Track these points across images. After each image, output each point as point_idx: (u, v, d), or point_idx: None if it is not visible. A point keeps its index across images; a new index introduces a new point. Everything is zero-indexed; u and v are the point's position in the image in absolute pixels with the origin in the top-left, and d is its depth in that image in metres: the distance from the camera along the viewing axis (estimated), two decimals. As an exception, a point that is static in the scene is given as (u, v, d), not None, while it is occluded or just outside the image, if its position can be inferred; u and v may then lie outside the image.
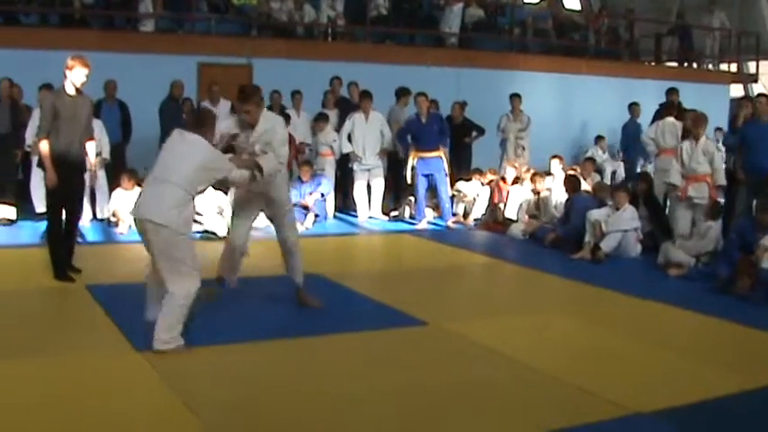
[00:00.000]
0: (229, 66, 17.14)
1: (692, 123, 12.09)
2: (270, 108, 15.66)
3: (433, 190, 14.59)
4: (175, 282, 6.83)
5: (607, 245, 11.56)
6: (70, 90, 9.08)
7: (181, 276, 6.84)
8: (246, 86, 8.22)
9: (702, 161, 11.70)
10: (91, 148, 9.53)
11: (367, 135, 14.70)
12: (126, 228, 12.48)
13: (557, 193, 13.57)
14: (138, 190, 12.54)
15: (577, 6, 27.94)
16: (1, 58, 14.69)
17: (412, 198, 14.82)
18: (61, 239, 9.44)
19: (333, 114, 15.90)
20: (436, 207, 14.88)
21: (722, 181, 11.99)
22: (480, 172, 15.10)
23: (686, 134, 12.33)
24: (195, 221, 12.15)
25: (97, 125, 13.60)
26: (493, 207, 14.48)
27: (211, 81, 15.66)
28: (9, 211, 13.01)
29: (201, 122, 7.29)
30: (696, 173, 11.71)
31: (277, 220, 8.37)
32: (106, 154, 13.66)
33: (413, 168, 14.31)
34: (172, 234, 6.79)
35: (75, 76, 9.01)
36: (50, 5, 16.82)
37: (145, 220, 6.85)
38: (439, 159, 14.28)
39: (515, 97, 17.11)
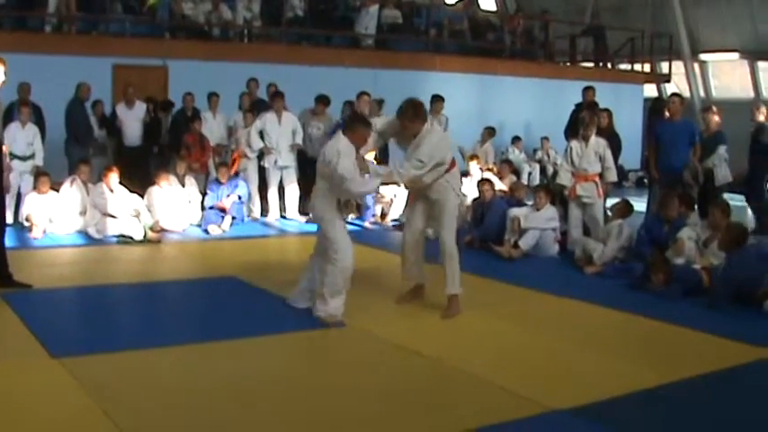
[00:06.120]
0: (145, 67, 17.00)
1: (583, 124, 11.98)
2: (182, 110, 15.61)
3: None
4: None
5: (525, 242, 11.61)
6: None
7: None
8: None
9: (593, 161, 11.71)
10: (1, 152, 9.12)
11: (281, 135, 14.55)
12: (40, 232, 12.24)
13: (474, 194, 13.54)
14: (52, 194, 12.40)
15: (493, 8, 28.12)
16: None
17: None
18: None
19: (249, 117, 15.69)
20: (357, 207, 14.81)
21: (613, 178, 12.09)
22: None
23: (600, 132, 12.37)
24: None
25: (31, 130, 13.39)
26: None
27: (126, 83, 15.50)
28: None
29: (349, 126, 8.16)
30: (587, 173, 11.72)
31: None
32: (39, 160, 13.43)
33: None
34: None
35: None
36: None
37: None
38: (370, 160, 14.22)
39: (438, 100, 15.92)
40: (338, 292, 8.06)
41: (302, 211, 14.92)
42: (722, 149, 13.22)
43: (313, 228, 14.10)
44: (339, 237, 8.06)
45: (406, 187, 9.21)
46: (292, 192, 14.94)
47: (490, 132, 18.87)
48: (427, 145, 8.24)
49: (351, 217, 14.60)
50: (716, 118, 13.57)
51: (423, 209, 8.79)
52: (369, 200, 14.48)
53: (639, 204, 14.09)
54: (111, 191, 12.47)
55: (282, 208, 15.03)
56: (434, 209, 8.60)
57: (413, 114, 8.29)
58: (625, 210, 11.60)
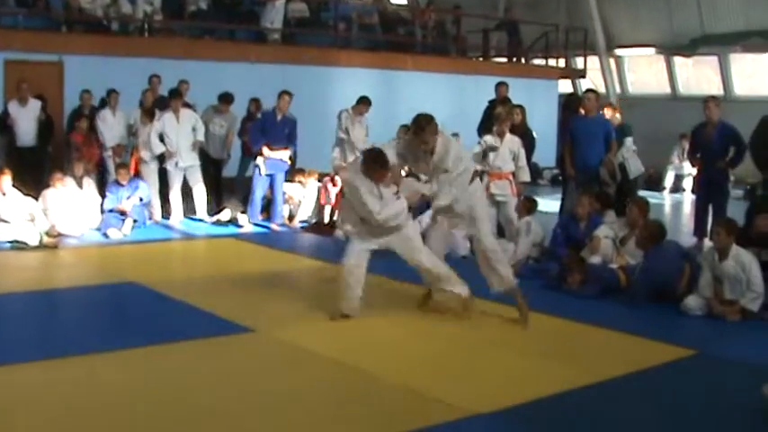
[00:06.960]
0: (39, 63, 16.46)
1: (499, 119, 11.93)
2: (79, 109, 15.04)
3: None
4: None
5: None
6: None
7: None
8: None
9: (508, 159, 11.70)
10: None
11: (180, 134, 14.16)
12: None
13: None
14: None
15: (404, 1, 27.89)
16: None
17: (236, 200, 14.45)
18: None
19: (145, 117, 15.15)
20: (264, 209, 14.43)
21: (526, 178, 12.04)
22: (303, 172, 14.63)
23: (513, 129, 12.17)
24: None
25: None
26: (320, 209, 14.12)
27: (20, 79, 14.99)
28: None
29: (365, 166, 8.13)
30: (501, 171, 11.69)
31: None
32: None
33: (257, 166, 14.18)
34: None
35: None
36: None
37: None
38: (285, 160, 14.26)
39: (364, 102, 15.37)
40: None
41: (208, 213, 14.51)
42: (629, 141, 13.52)
43: (221, 230, 13.87)
44: (349, 250, 8.44)
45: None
46: (200, 192, 14.59)
47: (406, 131, 18.47)
48: (452, 156, 8.31)
49: (261, 219, 14.29)
50: (617, 114, 13.63)
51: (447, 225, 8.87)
52: (277, 201, 14.17)
53: (555, 203, 14.07)
54: (3, 194, 11.96)
55: (188, 209, 14.62)
56: (465, 216, 8.58)
57: (434, 129, 8.22)
58: (529, 206, 11.58)
